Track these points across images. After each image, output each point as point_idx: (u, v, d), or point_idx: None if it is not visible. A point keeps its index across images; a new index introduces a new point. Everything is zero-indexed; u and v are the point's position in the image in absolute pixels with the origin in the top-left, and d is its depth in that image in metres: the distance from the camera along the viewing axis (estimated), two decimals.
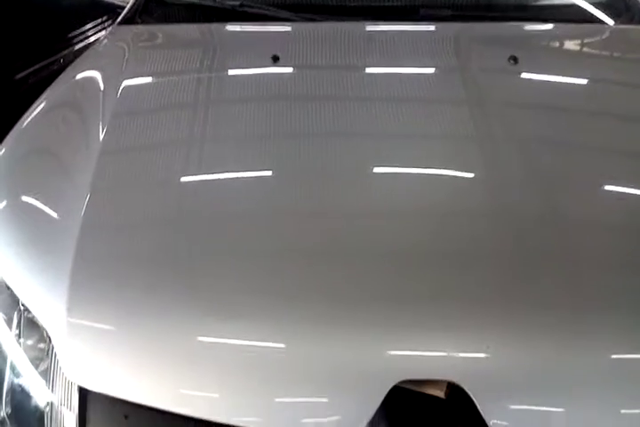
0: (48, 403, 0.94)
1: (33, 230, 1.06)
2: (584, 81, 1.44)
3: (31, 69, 2.67)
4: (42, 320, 0.94)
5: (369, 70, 1.45)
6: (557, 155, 1.17)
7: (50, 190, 1.14)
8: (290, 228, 1.01)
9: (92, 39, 3.14)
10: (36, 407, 0.95)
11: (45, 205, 1.11)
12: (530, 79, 1.42)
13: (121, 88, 1.38)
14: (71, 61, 1.74)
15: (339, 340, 0.85)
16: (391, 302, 0.89)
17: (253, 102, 1.34)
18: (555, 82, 1.41)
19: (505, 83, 1.40)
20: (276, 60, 1.42)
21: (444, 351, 0.83)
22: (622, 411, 0.82)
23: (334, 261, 0.95)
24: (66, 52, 2.99)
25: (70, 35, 3.13)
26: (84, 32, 3.21)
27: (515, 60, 1.40)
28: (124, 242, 1.02)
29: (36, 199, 1.13)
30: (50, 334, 0.92)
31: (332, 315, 0.87)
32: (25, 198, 1.15)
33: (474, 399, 0.80)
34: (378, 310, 0.88)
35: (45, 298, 0.94)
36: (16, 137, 1.35)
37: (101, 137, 1.22)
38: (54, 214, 1.09)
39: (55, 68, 2.77)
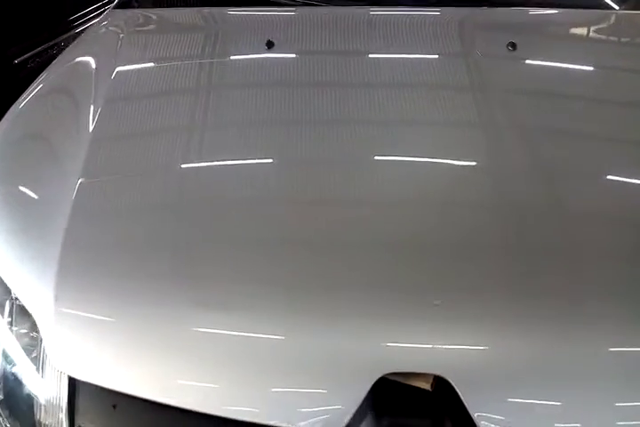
0: (39, 391, 0.94)
1: (23, 217, 1.06)
2: (583, 67, 1.41)
3: (30, 53, 2.66)
4: (30, 308, 0.93)
5: (368, 56, 1.43)
6: (557, 143, 1.15)
7: (41, 177, 1.14)
8: (287, 216, 1.00)
9: (93, 22, 3.11)
10: (28, 395, 0.96)
11: (36, 191, 1.11)
12: (529, 66, 1.40)
13: (114, 73, 1.37)
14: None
15: (327, 331, 0.85)
16: (380, 294, 0.88)
17: (248, 89, 1.32)
18: (553, 68, 1.39)
19: (504, 69, 1.37)
20: (271, 45, 1.40)
21: (430, 344, 0.83)
22: (614, 404, 0.82)
23: (328, 252, 0.94)
24: (66, 35, 2.97)
25: (71, 18, 3.11)
26: (84, 15, 3.18)
27: (513, 46, 1.37)
28: (114, 229, 1.01)
29: (27, 186, 1.13)
30: (38, 323, 0.92)
31: (322, 306, 0.87)
32: (15, 185, 1.14)
33: (458, 392, 0.80)
34: (367, 303, 0.87)
35: (34, 286, 0.94)
36: (10, 122, 1.34)
37: (93, 123, 1.22)
38: (44, 201, 1.08)
39: (55, 52, 2.76)
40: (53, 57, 2.25)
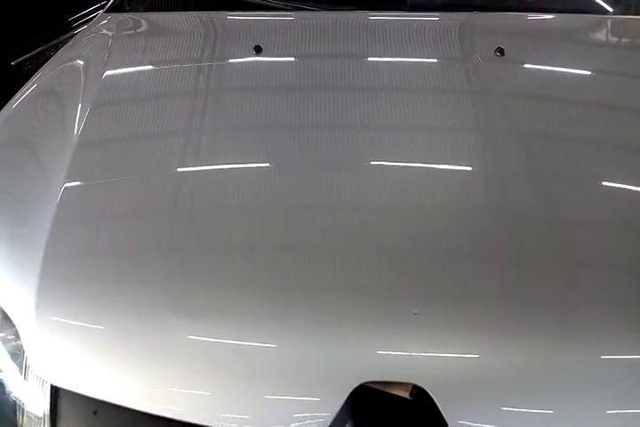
0: (22, 396, 0.95)
1: (6, 222, 1.06)
2: (572, 72, 1.41)
3: (28, 55, 2.66)
4: (12, 315, 0.94)
5: (357, 60, 1.43)
6: (547, 149, 1.15)
7: (25, 181, 1.14)
8: (277, 223, 1.00)
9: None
10: (12, 400, 0.96)
11: (19, 196, 1.11)
12: (520, 71, 1.40)
13: (103, 77, 1.37)
14: None
15: (307, 339, 0.85)
16: (362, 302, 0.88)
17: (237, 93, 1.32)
18: (541, 73, 1.39)
19: (496, 74, 1.37)
20: (259, 50, 1.41)
21: (408, 353, 0.83)
22: (599, 412, 0.82)
23: (317, 259, 0.94)
24: (64, 37, 2.97)
25: (69, 19, 3.11)
26: (82, 17, 3.19)
27: (501, 52, 1.37)
28: (98, 235, 1.01)
29: (11, 190, 1.13)
30: (19, 330, 0.92)
31: (304, 314, 0.87)
32: None
33: (436, 401, 0.80)
34: (349, 311, 0.87)
35: (15, 292, 0.94)
36: None
37: (80, 127, 1.22)
38: (28, 206, 1.08)
39: (52, 53, 2.76)
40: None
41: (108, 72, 1.39)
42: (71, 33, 3.01)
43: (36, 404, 0.93)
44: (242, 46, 1.44)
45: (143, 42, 1.56)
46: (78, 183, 1.10)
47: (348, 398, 0.81)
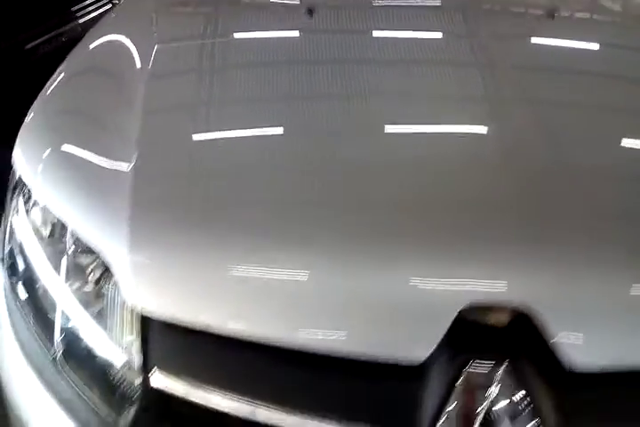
0: (103, 340, 0.96)
1: (87, 176, 1.07)
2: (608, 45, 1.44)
3: (41, 40, 2.67)
4: (105, 257, 0.94)
5: (387, 33, 1.46)
6: (572, 115, 1.19)
7: (98, 142, 1.15)
8: (321, 173, 1.02)
9: (95, 13, 3.11)
10: (89, 346, 0.98)
11: (95, 154, 1.11)
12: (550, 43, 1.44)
13: (155, 49, 1.37)
14: (77, 35, 1.72)
15: (400, 269, 0.86)
16: (448, 232, 0.89)
17: (285, 63, 1.35)
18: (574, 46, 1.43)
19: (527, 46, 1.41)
20: (310, 13, 1.43)
21: (508, 278, 0.84)
22: None
23: (381, 198, 0.95)
24: (72, 24, 2.97)
25: (73, 8, 3.11)
26: (86, 6, 3.19)
27: (551, 16, 1.42)
28: (175, 187, 1.02)
29: (85, 149, 1.13)
30: (113, 270, 0.93)
31: (392, 246, 0.88)
32: (73, 149, 1.14)
33: (538, 326, 0.81)
34: (439, 240, 0.88)
35: (109, 237, 0.95)
36: (46, 100, 1.34)
37: (142, 96, 1.22)
38: (105, 162, 1.08)
39: (63, 39, 2.77)
40: (63, 43, 2.26)
41: (160, 44, 1.39)
42: (80, 20, 3.02)
43: (121, 344, 0.94)
44: (291, 13, 1.46)
45: (189, 12, 1.58)
46: (150, 144, 1.10)
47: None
